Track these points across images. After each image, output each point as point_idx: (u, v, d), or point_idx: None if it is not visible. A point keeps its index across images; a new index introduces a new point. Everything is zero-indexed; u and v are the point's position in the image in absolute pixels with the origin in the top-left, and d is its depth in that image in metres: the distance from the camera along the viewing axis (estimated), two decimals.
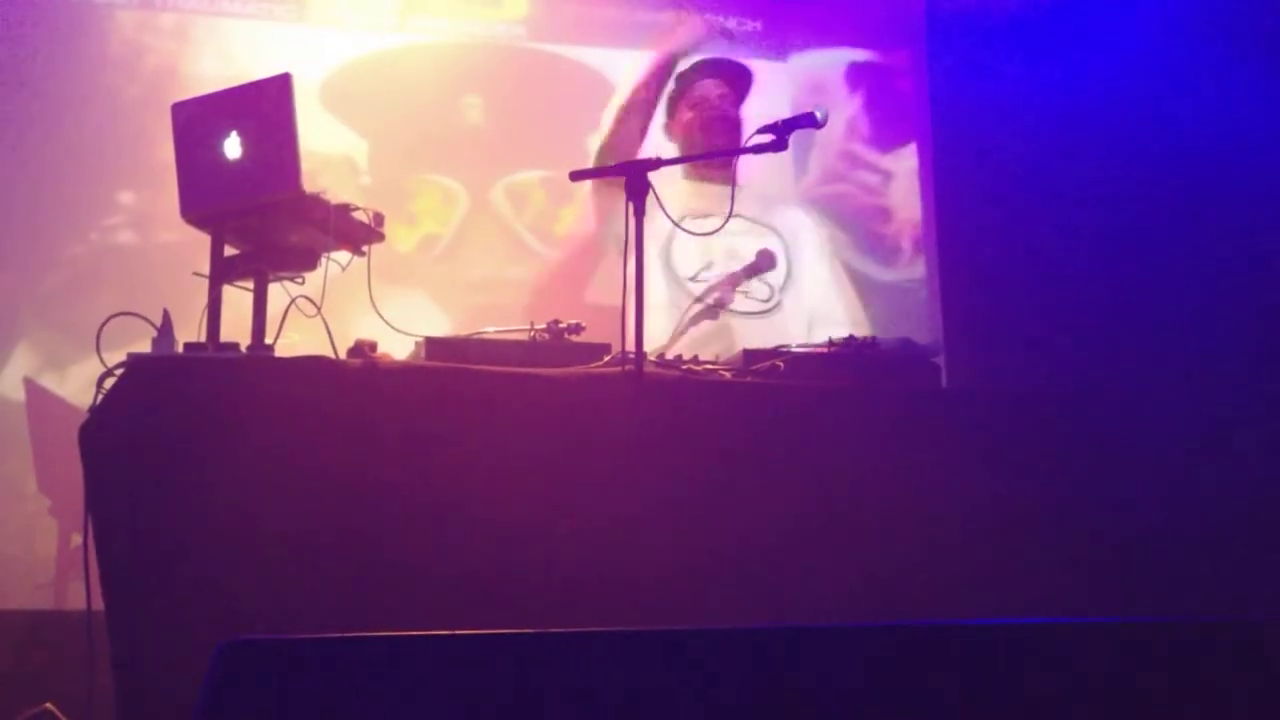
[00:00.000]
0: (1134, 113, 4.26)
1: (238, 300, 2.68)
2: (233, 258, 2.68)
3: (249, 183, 2.59)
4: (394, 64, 4.96)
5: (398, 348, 2.79)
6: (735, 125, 3.59)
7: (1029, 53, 4.50)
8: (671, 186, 3.65)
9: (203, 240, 2.67)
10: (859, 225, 5.06)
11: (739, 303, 3.50)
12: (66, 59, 4.57)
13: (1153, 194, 4.20)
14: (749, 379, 2.83)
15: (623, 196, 2.60)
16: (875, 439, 2.75)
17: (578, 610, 2.35)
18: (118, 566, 2.36)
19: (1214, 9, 4.17)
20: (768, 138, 2.70)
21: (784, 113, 2.85)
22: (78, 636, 2.45)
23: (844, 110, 5.16)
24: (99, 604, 2.39)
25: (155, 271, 4.15)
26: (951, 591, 2.64)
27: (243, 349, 2.56)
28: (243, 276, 2.68)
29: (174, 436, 2.40)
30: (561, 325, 2.84)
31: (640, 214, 2.62)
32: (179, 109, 2.69)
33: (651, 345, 2.85)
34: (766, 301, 3.50)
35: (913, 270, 5.01)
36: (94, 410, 2.46)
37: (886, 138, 5.10)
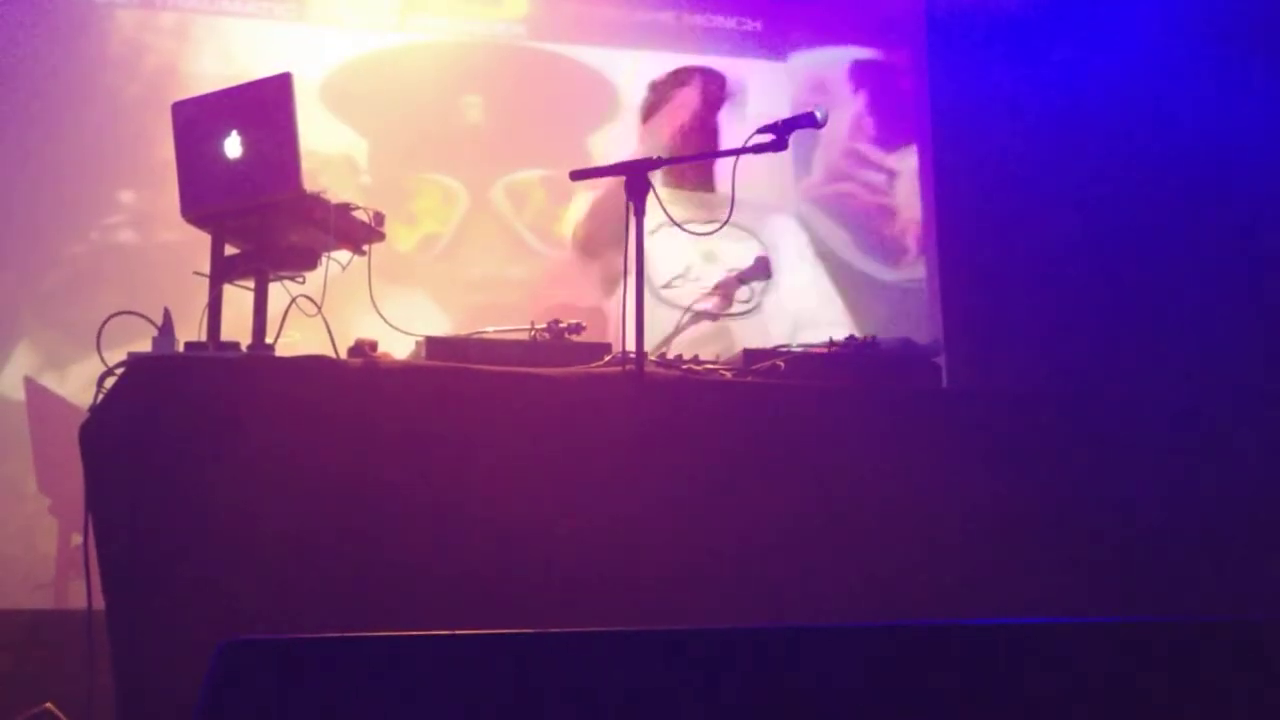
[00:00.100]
0: (1134, 112, 4.26)
1: (238, 299, 2.68)
2: (233, 257, 2.68)
3: (249, 182, 2.59)
4: (394, 63, 4.97)
5: (398, 347, 2.79)
6: (710, 132, 3.57)
7: (1029, 53, 4.50)
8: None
9: (203, 239, 2.67)
10: (863, 225, 5.05)
11: (717, 305, 3.50)
12: (67, 58, 4.57)
13: (1153, 194, 4.20)
14: (749, 379, 2.83)
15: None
16: (875, 439, 2.75)
17: (578, 610, 2.35)
18: (118, 566, 2.36)
19: (1214, 9, 4.17)
20: (768, 137, 2.70)
21: (787, 112, 2.85)
22: (78, 636, 2.45)
23: (848, 109, 5.15)
24: (99, 603, 2.39)
25: (156, 271, 4.14)
26: (951, 591, 2.64)
27: (243, 348, 2.56)
28: (243, 276, 2.68)
29: (174, 436, 2.40)
30: (562, 325, 2.84)
31: (640, 214, 2.62)
32: (179, 108, 2.69)
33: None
34: (746, 303, 3.50)
35: (916, 270, 5.00)
36: (94, 409, 2.46)
37: (891, 136, 5.09)
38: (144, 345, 2.53)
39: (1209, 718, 1.83)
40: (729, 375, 2.84)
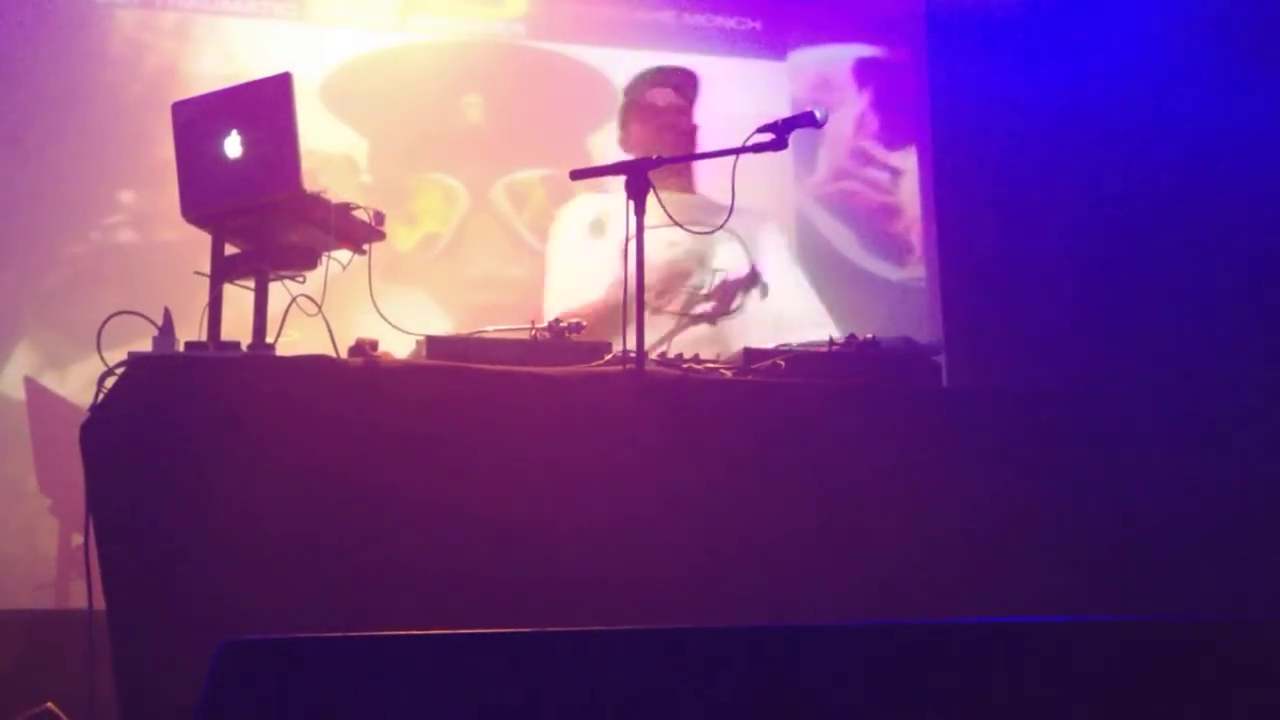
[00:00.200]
0: (1134, 112, 4.26)
1: (239, 299, 2.68)
2: (233, 256, 2.68)
3: (249, 182, 2.59)
4: (394, 63, 4.97)
5: (398, 347, 2.79)
6: (684, 133, 3.54)
7: (1029, 52, 4.49)
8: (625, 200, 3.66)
9: (203, 239, 2.68)
10: (868, 223, 5.04)
11: (699, 305, 3.50)
12: (67, 58, 4.57)
13: (1153, 193, 4.20)
14: (750, 378, 2.83)
15: None
16: (876, 438, 2.75)
17: (578, 610, 2.35)
18: (118, 566, 2.36)
19: (1215, 8, 4.17)
20: (768, 137, 2.70)
21: (787, 112, 2.84)
22: (78, 636, 2.45)
23: (853, 106, 5.13)
24: (100, 603, 2.39)
25: (156, 270, 4.14)
26: (951, 591, 2.64)
27: (244, 348, 2.56)
28: (243, 275, 2.68)
29: (175, 436, 2.40)
30: (562, 324, 2.84)
31: (641, 213, 2.62)
32: (179, 108, 2.69)
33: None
34: (731, 307, 3.51)
35: (921, 269, 4.99)
36: (95, 409, 2.46)
37: (896, 134, 5.07)
38: (144, 345, 2.53)
39: (1209, 718, 1.83)
40: (729, 374, 2.84)
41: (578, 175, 2.87)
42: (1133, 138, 4.23)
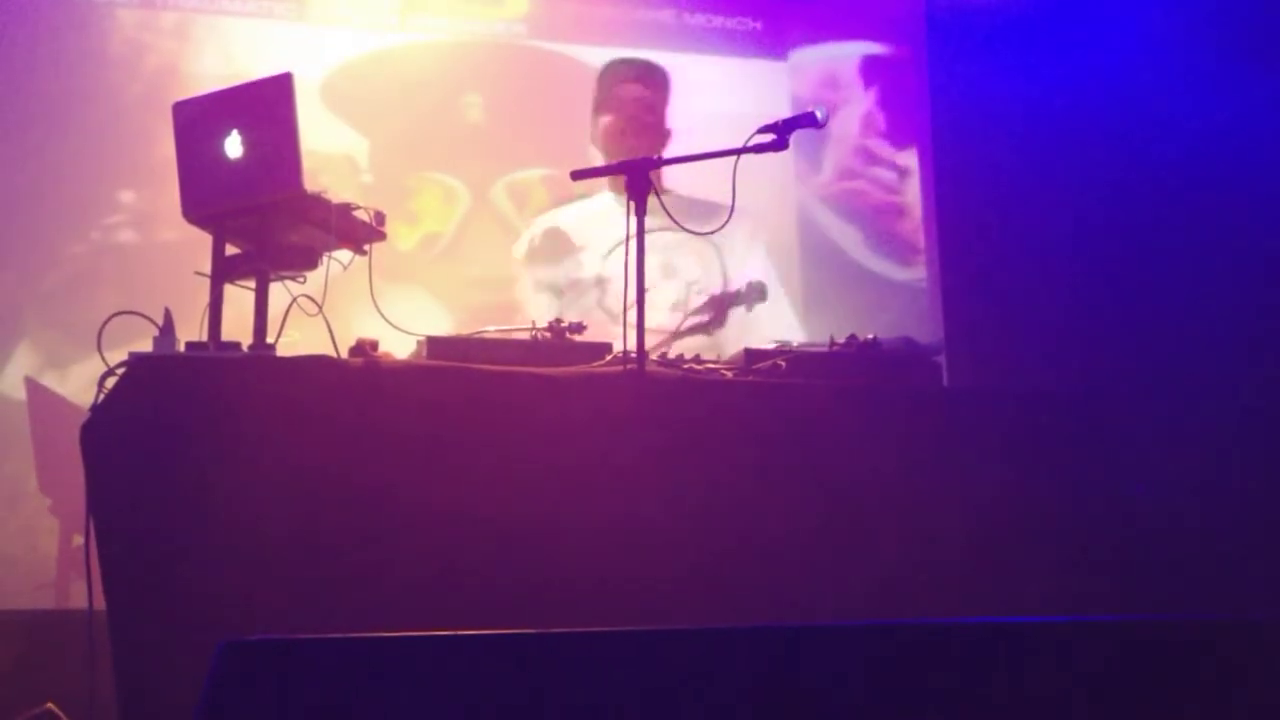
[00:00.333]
0: (1135, 112, 4.25)
1: (239, 299, 2.68)
2: (234, 257, 2.68)
3: (250, 182, 2.59)
4: (394, 62, 4.97)
5: (399, 347, 2.79)
6: (651, 128, 3.51)
7: (1029, 52, 4.49)
8: (600, 205, 3.65)
9: (204, 239, 2.68)
10: (874, 223, 5.02)
11: (711, 321, 3.50)
12: (67, 58, 4.57)
13: (1153, 193, 4.19)
14: (750, 378, 2.83)
15: None
16: (876, 438, 2.75)
17: (578, 610, 2.35)
18: (118, 566, 2.36)
19: (1215, 8, 4.17)
20: (769, 137, 2.70)
21: (788, 112, 2.84)
22: (79, 636, 2.45)
23: (859, 105, 5.11)
24: (100, 603, 2.39)
25: (156, 270, 4.14)
26: (952, 591, 2.64)
27: (244, 348, 2.56)
28: (244, 276, 2.68)
29: (175, 436, 2.40)
30: (563, 324, 2.84)
31: (641, 213, 2.62)
32: (180, 109, 2.69)
33: None
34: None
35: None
36: (95, 409, 2.46)
37: (902, 133, 5.04)
38: (145, 345, 2.53)
39: (1209, 718, 1.83)
40: (730, 375, 2.84)
41: (578, 175, 2.87)
42: (1133, 138, 4.22)
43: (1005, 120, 4.41)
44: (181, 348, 2.53)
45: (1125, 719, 1.81)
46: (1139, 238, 4.17)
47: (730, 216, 2.75)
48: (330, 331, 2.65)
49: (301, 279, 2.72)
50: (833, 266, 5.05)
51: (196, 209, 2.64)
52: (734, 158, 2.70)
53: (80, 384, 4.15)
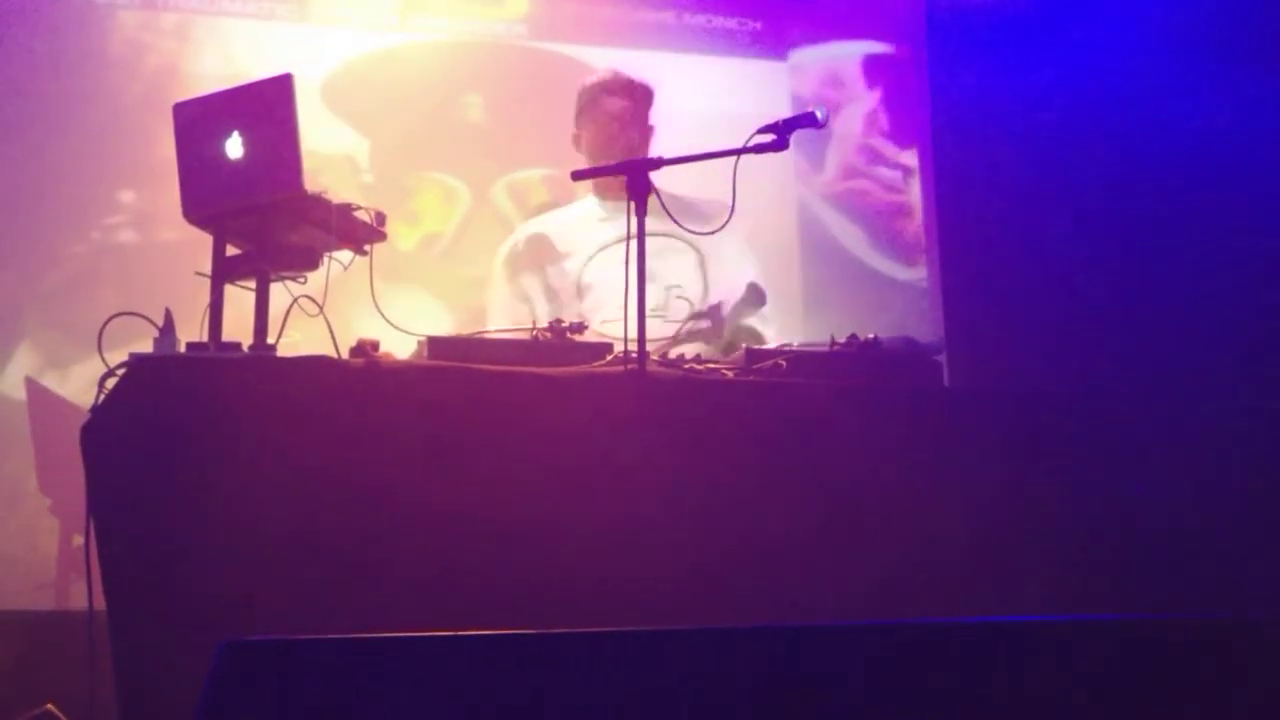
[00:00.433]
0: (1135, 112, 4.26)
1: (240, 300, 2.68)
2: (234, 257, 2.68)
3: (250, 182, 2.59)
4: (395, 63, 4.97)
5: (400, 347, 2.79)
6: (633, 146, 3.47)
7: (1030, 52, 4.49)
8: (584, 210, 3.64)
9: (204, 239, 2.68)
10: (877, 222, 5.02)
11: (710, 330, 3.49)
12: (67, 58, 4.58)
13: (1154, 193, 4.19)
14: (751, 378, 2.83)
15: None
16: (877, 437, 2.75)
17: (578, 610, 2.35)
18: (118, 566, 2.36)
19: (1216, 8, 4.17)
20: (769, 137, 2.70)
21: (788, 113, 2.83)
22: (79, 636, 2.45)
23: (862, 104, 5.10)
24: (100, 603, 2.39)
25: (157, 271, 4.15)
26: (952, 590, 2.64)
27: (245, 348, 2.56)
28: (244, 276, 2.68)
29: (175, 436, 2.40)
30: (564, 324, 2.84)
31: (641, 213, 2.62)
32: (180, 109, 2.69)
33: None
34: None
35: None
36: (95, 410, 2.46)
37: (906, 132, 5.03)
38: (145, 345, 2.53)
39: (1209, 717, 1.83)
40: (731, 375, 2.84)
41: (578, 175, 2.87)
42: (1133, 138, 4.22)
43: (1005, 120, 4.41)
44: (182, 348, 2.53)
45: (1125, 718, 1.81)
46: (1139, 238, 4.17)
47: (730, 217, 2.75)
48: (331, 332, 2.65)
49: (302, 279, 2.72)
50: (834, 265, 5.05)
51: (197, 209, 2.64)
52: (734, 158, 2.70)
53: (80, 384, 4.16)
